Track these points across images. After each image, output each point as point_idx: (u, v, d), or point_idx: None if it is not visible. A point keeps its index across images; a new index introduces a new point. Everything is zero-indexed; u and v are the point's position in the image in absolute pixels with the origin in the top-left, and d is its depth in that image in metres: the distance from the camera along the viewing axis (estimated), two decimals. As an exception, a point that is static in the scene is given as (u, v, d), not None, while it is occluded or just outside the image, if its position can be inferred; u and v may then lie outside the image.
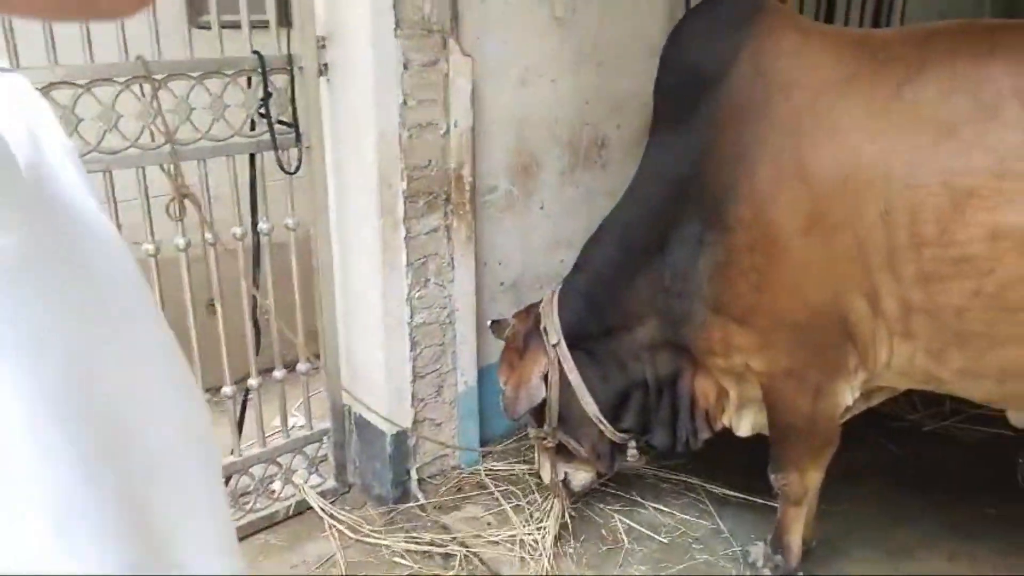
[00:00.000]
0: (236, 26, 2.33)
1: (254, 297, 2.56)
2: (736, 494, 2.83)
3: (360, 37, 2.37)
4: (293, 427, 2.85)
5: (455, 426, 2.92)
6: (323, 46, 2.47)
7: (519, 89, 2.77)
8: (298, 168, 2.50)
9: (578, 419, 2.47)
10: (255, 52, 2.35)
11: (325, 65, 2.49)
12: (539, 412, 2.50)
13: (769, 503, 2.77)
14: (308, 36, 2.42)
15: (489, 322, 2.69)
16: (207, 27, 2.38)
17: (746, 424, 2.38)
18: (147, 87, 2.18)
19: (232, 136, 2.38)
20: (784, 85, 1.95)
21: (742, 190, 1.98)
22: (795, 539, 2.33)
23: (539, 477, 2.73)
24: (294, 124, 2.46)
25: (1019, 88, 1.68)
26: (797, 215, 1.91)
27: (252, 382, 2.64)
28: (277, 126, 2.45)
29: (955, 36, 1.83)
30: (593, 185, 3.11)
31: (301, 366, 2.74)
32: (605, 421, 2.45)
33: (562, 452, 2.57)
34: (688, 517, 2.75)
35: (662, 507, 2.82)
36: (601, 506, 2.82)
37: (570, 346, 2.39)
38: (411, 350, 2.70)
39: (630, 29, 3.03)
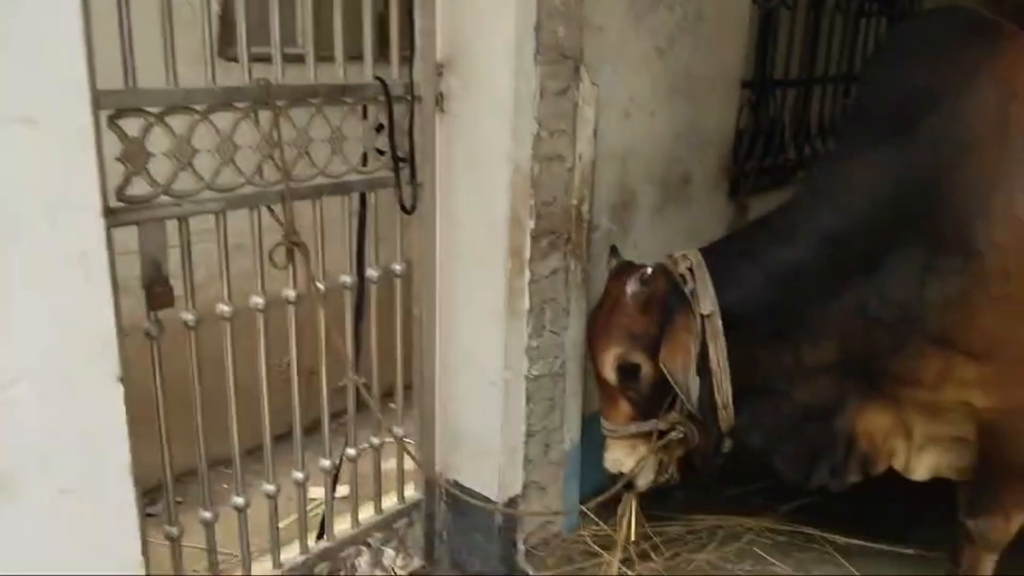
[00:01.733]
0: (265, 59, 1.88)
1: (355, 360, 2.24)
2: (860, 542, 2.68)
3: (494, 62, 2.13)
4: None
5: (559, 488, 2.65)
6: (440, 74, 2.22)
7: (623, 122, 2.59)
8: (414, 206, 2.22)
9: (704, 406, 2.17)
10: (377, 78, 2.08)
11: (441, 94, 2.24)
12: (657, 394, 2.18)
13: (899, 550, 2.64)
14: (428, 63, 2.17)
15: (611, 249, 2.34)
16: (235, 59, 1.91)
17: (925, 466, 2.24)
18: (265, 115, 1.87)
19: (347, 172, 2.09)
20: None
21: (997, 214, 1.86)
22: (985, 590, 2.19)
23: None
24: (409, 159, 2.19)
25: None
26: None
27: (351, 452, 2.31)
28: (389, 162, 2.17)
29: None
30: (680, 223, 2.95)
31: (397, 429, 2.42)
32: (732, 408, 2.18)
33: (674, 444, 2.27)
34: (824, 574, 2.58)
35: (790, 563, 2.63)
36: (725, 564, 2.61)
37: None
38: (527, 406, 2.44)
39: (716, 63, 2.92)
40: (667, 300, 2.14)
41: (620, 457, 2.28)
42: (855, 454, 2.28)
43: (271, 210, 1.94)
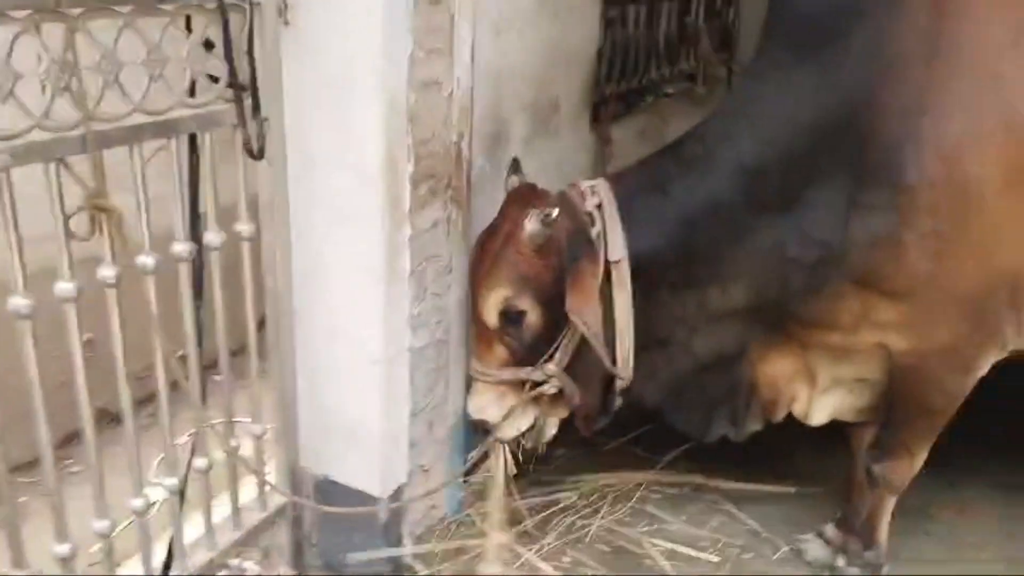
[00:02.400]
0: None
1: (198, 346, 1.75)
2: (748, 486, 2.61)
3: (356, -40, 1.67)
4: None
5: (444, 468, 2.33)
6: (282, -27, 1.72)
7: (494, 40, 2.20)
8: (262, 149, 1.73)
9: (594, 360, 1.95)
10: (203, -24, 1.55)
11: (284, 2, 1.74)
12: (540, 342, 1.94)
13: (782, 490, 2.61)
14: (267, -44, 1.66)
15: (512, 162, 2.06)
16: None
17: (824, 411, 2.14)
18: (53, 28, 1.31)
19: (171, 107, 1.56)
20: (976, 25, 1.69)
21: (929, 143, 1.69)
22: (885, 531, 2.16)
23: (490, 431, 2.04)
24: (251, 87, 1.69)
25: None
26: (999, 171, 1.67)
27: (199, 463, 1.83)
28: (226, 91, 1.66)
29: None
30: (548, 156, 2.64)
31: (256, 428, 1.97)
32: (631, 365, 1.98)
33: (547, 399, 2.02)
34: (719, 524, 2.48)
35: (684, 518, 2.51)
36: (622, 529, 2.43)
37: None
38: (410, 383, 2.07)
39: (579, -27, 2.60)
40: (570, 242, 1.87)
41: (486, 404, 2.01)
42: (756, 402, 2.14)
43: (65, 164, 1.39)
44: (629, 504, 2.54)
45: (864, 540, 2.18)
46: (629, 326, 1.93)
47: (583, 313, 1.86)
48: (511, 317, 1.91)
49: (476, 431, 2.11)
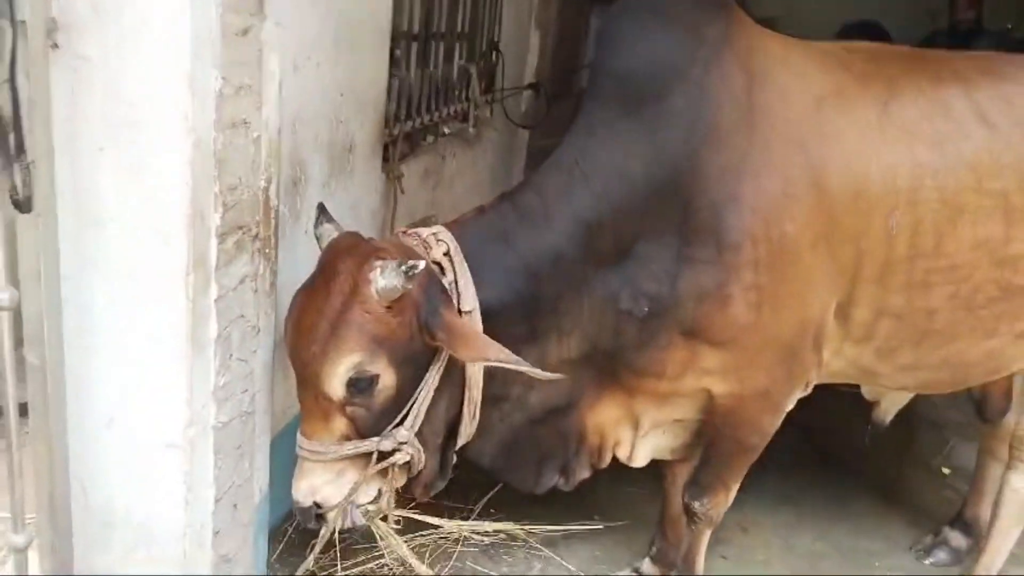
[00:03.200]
0: None
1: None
2: (558, 528, 2.60)
3: (152, -22, 1.41)
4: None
5: (249, 554, 2.04)
6: (51, -13, 1.41)
7: (293, 75, 2.00)
8: (29, 199, 1.39)
9: (439, 422, 1.86)
10: (-48, -16, 1.22)
11: (54, 21, 1.43)
12: (388, 412, 1.77)
13: (591, 527, 2.63)
14: (35, -35, 1.35)
15: (319, 209, 1.88)
16: None
17: (646, 452, 2.20)
18: None
19: (-95, 146, 1.20)
20: (782, 93, 1.81)
21: (748, 202, 1.78)
22: (702, 563, 2.24)
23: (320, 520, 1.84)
24: (14, 122, 1.36)
25: (975, 110, 1.86)
26: (810, 228, 1.80)
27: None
28: (-20, 127, 1.32)
29: (907, 59, 1.93)
30: (344, 198, 2.46)
31: (18, 538, 1.58)
32: (476, 423, 1.90)
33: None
34: (540, 571, 2.44)
35: (505, 569, 2.44)
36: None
37: None
38: (214, 465, 1.78)
39: (368, 9, 2.46)
40: (427, 293, 1.71)
41: (320, 485, 1.78)
42: (585, 450, 2.15)
43: None
44: (449, 564, 2.42)
45: (684, 573, 2.25)
46: (479, 384, 1.83)
47: (486, 354, 1.69)
48: (362, 384, 1.70)
49: (307, 519, 1.83)
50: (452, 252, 1.79)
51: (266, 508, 2.10)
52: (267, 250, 1.85)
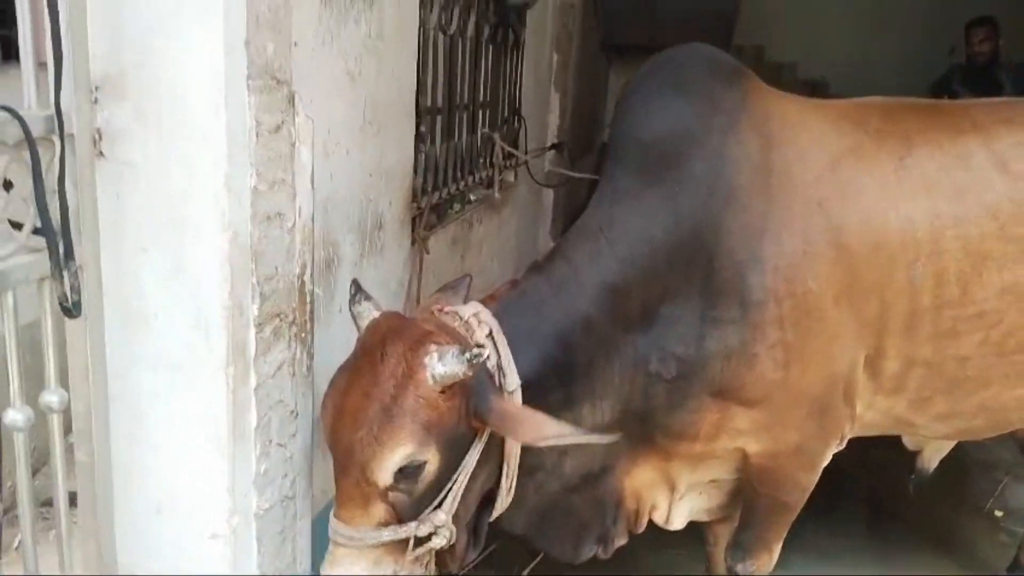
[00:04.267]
0: None
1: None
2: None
3: (189, 86, 1.48)
4: None
5: (293, 640, 2.04)
6: (95, 100, 1.48)
7: (323, 162, 2.06)
8: (77, 304, 1.45)
9: (474, 498, 1.83)
10: (5, 108, 1.29)
11: (99, 131, 1.50)
12: (428, 496, 1.72)
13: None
14: (81, 83, 1.42)
15: (353, 285, 1.85)
16: None
17: (683, 514, 2.18)
18: None
19: (-37, 262, 1.27)
20: (799, 155, 1.85)
21: (770, 262, 1.81)
22: (752, 623, 2.20)
23: None
24: (63, 232, 1.42)
25: (995, 160, 1.87)
26: (832, 283, 1.81)
27: None
28: (31, 239, 1.39)
29: (923, 112, 1.95)
30: (375, 274, 2.51)
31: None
32: (512, 495, 1.88)
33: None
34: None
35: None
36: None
37: None
38: (258, 552, 1.80)
39: (396, 89, 2.54)
40: (478, 380, 1.68)
41: (359, 573, 1.73)
42: (623, 516, 2.13)
43: None
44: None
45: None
46: (517, 457, 1.82)
47: (544, 433, 1.65)
48: (409, 471, 1.66)
49: None
50: (495, 333, 1.78)
51: (310, 592, 2.10)
52: (303, 334, 1.89)
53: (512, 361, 1.76)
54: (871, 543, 3.01)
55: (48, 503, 1.82)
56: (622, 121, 1.97)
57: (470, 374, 1.61)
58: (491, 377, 1.74)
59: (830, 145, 1.92)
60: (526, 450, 1.89)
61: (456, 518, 1.79)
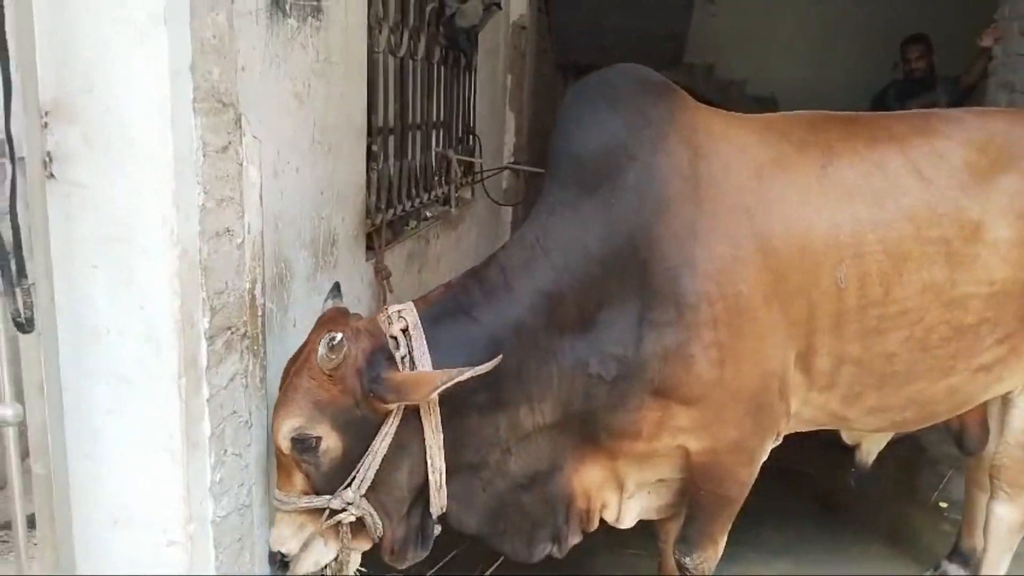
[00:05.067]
0: None
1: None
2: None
3: (135, 110, 1.55)
4: None
5: (252, 647, 2.08)
6: (45, 124, 1.55)
7: (273, 181, 2.14)
8: (31, 320, 1.50)
9: (404, 488, 1.98)
10: (-45, 132, 1.35)
11: (49, 154, 1.57)
12: (340, 469, 1.92)
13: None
14: (31, 107, 1.49)
15: (334, 285, 2.10)
16: None
17: (633, 512, 2.25)
18: None
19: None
20: (725, 165, 1.96)
21: (701, 266, 1.90)
22: (702, 615, 2.28)
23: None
24: (15, 250, 1.48)
25: (910, 167, 2.00)
26: (761, 286, 1.91)
27: None
28: (-17, 256, 1.44)
29: (844, 123, 2.08)
30: (329, 288, 2.57)
31: (27, 650, 1.64)
32: (444, 492, 2.00)
33: (352, 527, 1.97)
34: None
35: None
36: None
37: None
38: (215, 559, 1.85)
39: (345, 111, 2.62)
40: (369, 364, 1.88)
41: (287, 535, 1.96)
42: (574, 514, 2.21)
43: None
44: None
45: (686, 632, 2.28)
46: (440, 451, 1.93)
47: (434, 382, 1.81)
48: (305, 444, 1.87)
49: (273, 564, 1.97)
50: (411, 327, 1.93)
51: (268, 598, 2.14)
52: (256, 347, 1.95)
53: (426, 355, 1.90)
54: (821, 537, 3.12)
55: (6, 526, 1.86)
56: (558, 137, 2.07)
57: (334, 357, 1.80)
58: (391, 364, 1.89)
59: (755, 155, 2.02)
60: (461, 447, 2.00)
61: (380, 505, 1.95)
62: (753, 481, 2.14)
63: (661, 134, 1.97)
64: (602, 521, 2.27)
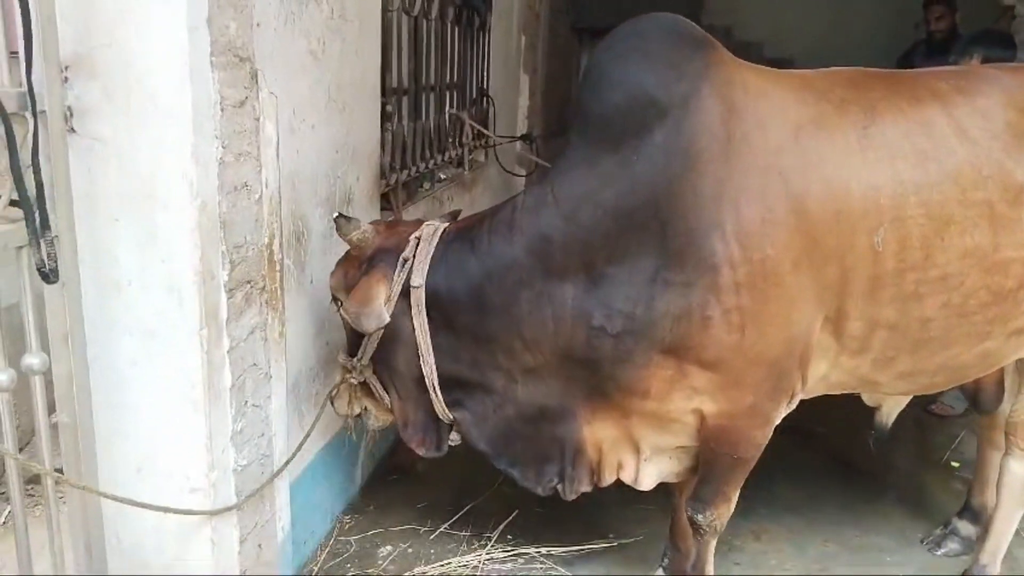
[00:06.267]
0: None
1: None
2: (573, 548, 2.69)
3: (154, 64, 1.57)
4: None
5: (275, 593, 2.14)
6: (66, 79, 1.57)
7: (289, 137, 2.16)
8: (55, 271, 1.54)
9: (407, 376, 2.25)
10: (-20, 84, 1.37)
11: (70, 108, 1.59)
12: (357, 339, 2.25)
13: (605, 544, 2.72)
14: (52, 62, 1.51)
15: (335, 215, 2.22)
16: None
17: (652, 476, 2.26)
18: None
19: (-56, 230, 1.35)
20: (760, 124, 1.89)
21: (728, 228, 1.86)
22: (712, 569, 2.31)
23: (332, 404, 2.40)
24: (38, 203, 1.51)
25: (955, 127, 1.96)
26: (791, 250, 1.87)
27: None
28: (7, 211, 1.47)
29: (886, 82, 2.03)
30: (344, 246, 2.59)
31: (58, 590, 1.69)
32: (440, 396, 2.22)
33: (366, 390, 2.34)
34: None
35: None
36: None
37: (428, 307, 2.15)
38: (238, 510, 1.90)
39: (361, 69, 2.62)
40: (373, 257, 2.18)
41: (337, 380, 2.38)
42: (584, 463, 2.24)
43: None
44: (475, 579, 2.51)
45: (700, 584, 2.32)
46: (429, 348, 2.14)
47: (371, 308, 2.08)
48: (336, 304, 2.26)
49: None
50: (422, 238, 2.16)
51: (289, 548, 2.20)
52: (274, 301, 1.98)
53: (425, 264, 2.11)
54: (833, 494, 3.14)
55: (34, 480, 1.92)
56: (585, 90, 2.03)
57: (346, 236, 2.18)
58: (391, 265, 2.14)
59: (793, 114, 1.95)
60: (457, 359, 2.18)
61: (388, 382, 2.27)
62: (767, 442, 2.14)
63: (694, 89, 1.91)
64: (619, 480, 2.30)
